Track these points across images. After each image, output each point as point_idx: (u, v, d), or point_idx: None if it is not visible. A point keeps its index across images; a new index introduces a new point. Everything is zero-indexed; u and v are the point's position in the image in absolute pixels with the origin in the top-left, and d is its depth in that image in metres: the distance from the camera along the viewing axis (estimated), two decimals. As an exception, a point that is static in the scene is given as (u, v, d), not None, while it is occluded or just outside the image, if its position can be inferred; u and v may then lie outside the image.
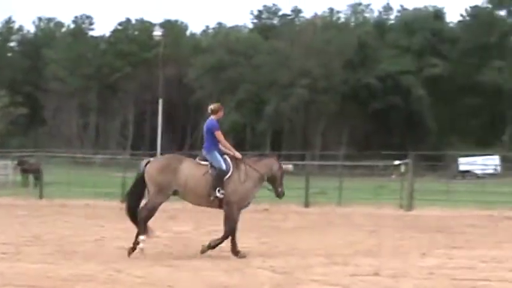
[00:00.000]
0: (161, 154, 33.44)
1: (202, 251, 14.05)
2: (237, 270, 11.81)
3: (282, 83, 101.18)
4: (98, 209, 27.16)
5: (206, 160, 14.41)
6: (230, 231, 14.22)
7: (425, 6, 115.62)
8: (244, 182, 14.36)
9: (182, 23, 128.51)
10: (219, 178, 14.14)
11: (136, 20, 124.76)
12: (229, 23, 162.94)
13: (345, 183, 29.37)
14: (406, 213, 25.25)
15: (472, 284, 10.64)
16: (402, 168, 29.22)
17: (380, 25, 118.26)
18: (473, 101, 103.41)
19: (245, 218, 22.56)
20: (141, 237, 13.79)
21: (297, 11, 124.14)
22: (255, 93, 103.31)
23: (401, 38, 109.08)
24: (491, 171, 63.56)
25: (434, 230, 19.19)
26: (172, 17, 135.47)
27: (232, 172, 14.27)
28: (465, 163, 69.96)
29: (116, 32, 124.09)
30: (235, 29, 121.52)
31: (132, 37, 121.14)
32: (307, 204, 27.85)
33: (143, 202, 14.41)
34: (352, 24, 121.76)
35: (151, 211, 14.21)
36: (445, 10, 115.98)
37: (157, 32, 41.13)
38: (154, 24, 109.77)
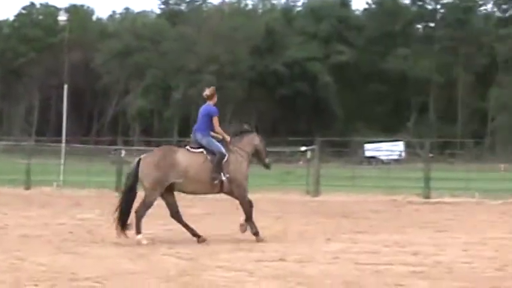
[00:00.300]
0: (67, 140, 32.94)
1: (258, 240, 14.23)
2: (142, 257, 11.72)
3: (189, 69, 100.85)
4: (2, 196, 26.58)
5: (198, 147, 14.50)
6: (249, 211, 14.61)
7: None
8: (241, 163, 14.74)
9: (88, 7, 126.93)
10: (219, 162, 14.32)
11: (41, 5, 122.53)
12: (136, 8, 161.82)
13: (251, 169, 29.39)
14: (312, 199, 25.48)
15: (375, 268, 10.77)
16: (308, 154, 29.43)
17: (287, 12, 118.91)
18: (379, 88, 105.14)
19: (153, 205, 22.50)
20: (139, 236, 13.78)
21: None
22: (162, 79, 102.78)
23: (308, 25, 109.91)
24: (396, 157, 64.71)
25: (339, 215, 19.40)
26: (78, 2, 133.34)
27: (228, 154, 14.48)
28: (371, 149, 71.07)
29: (20, 16, 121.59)
30: (143, 14, 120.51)
31: (37, 21, 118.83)
32: (215, 191, 27.81)
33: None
34: (260, 10, 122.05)
35: (148, 208, 14.28)
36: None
37: (62, 17, 40.38)
38: (60, 9, 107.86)
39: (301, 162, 43.88)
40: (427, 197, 25.88)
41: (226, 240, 14.02)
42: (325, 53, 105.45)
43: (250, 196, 24.33)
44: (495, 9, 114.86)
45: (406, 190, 26.85)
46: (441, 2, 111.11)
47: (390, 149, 63.60)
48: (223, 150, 14.44)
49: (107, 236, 14.50)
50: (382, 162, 58.88)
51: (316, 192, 26.51)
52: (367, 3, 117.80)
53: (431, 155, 34.24)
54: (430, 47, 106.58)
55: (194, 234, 14.18)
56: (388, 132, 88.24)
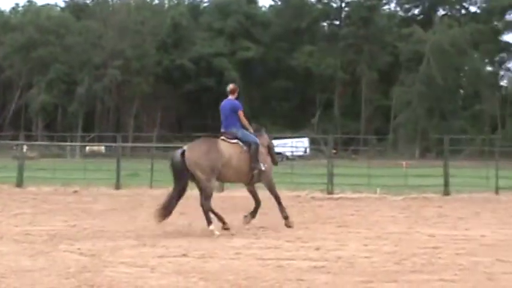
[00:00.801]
0: None
1: (287, 225, 15.66)
2: (42, 254, 11.54)
3: (94, 63, 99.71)
4: None
5: (234, 138, 15.31)
6: (278, 195, 16.02)
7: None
8: (266, 155, 16.02)
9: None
10: (256, 152, 15.38)
11: None
12: (40, 1, 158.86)
13: (157, 165, 29.20)
14: (216, 195, 25.47)
15: (278, 263, 10.87)
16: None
17: (194, 7, 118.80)
18: (284, 84, 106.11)
19: (54, 201, 22.24)
20: (211, 227, 14.43)
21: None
22: (67, 74, 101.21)
23: (215, 20, 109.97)
24: (301, 153, 65.19)
25: (243, 210, 19.46)
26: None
27: None
28: (276, 145, 71.47)
29: None
30: (47, 7, 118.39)
31: None
32: (118, 187, 27.59)
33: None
34: (166, 5, 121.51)
35: (210, 198, 14.95)
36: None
37: (-37, 8, 39.52)
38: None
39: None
40: (330, 192, 26.21)
41: (129, 236, 13.91)
42: (231, 49, 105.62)
43: (155, 191, 24.33)
44: (398, 9, 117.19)
45: (309, 186, 27.10)
46: (346, 0, 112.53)
47: (295, 145, 63.93)
48: (258, 141, 15.54)
49: (6, 233, 14.23)
50: (287, 158, 59.14)
51: (220, 188, 26.53)
52: (274, 0, 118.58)
53: (334, 151, 34.67)
54: (335, 44, 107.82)
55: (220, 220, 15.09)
56: (294, 128, 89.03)
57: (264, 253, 11.85)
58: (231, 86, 16.23)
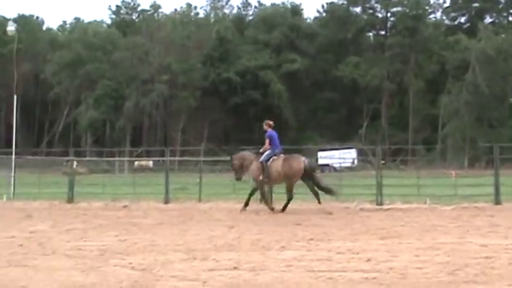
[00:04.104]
0: (17, 152, 32.57)
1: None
2: (94, 269, 11.58)
3: (141, 78, 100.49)
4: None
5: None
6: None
7: (282, 3, 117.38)
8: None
9: (38, 18, 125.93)
10: None
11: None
12: (86, 18, 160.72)
13: (205, 178, 29.28)
14: (265, 208, 25.43)
15: (329, 275, 10.80)
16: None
17: (239, 21, 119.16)
18: (330, 96, 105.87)
19: (104, 216, 22.38)
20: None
21: (155, 7, 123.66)
22: (114, 89, 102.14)
23: (260, 33, 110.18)
24: (348, 164, 64.94)
25: (293, 223, 19.37)
26: (28, 12, 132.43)
27: None
28: (324, 157, 71.16)
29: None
30: (93, 24, 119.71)
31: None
32: (167, 201, 27.64)
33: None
34: (212, 20, 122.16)
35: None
36: (302, 6, 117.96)
37: (11, 27, 39.91)
38: (8, 19, 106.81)
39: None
40: (380, 203, 25.99)
41: (180, 250, 13.90)
42: (277, 61, 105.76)
43: (203, 205, 24.33)
44: (444, 17, 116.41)
45: (358, 197, 26.93)
46: (391, 10, 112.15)
47: (343, 157, 63.69)
48: None
49: (58, 248, 14.31)
50: (335, 169, 58.90)
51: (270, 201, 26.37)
52: (319, 11, 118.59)
53: (383, 161, 34.42)
54: (381, 54, 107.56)
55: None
56: (341, 139, 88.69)
57: (315, 265, 11.76)
58: (271, 123, 23.94)
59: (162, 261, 12.32)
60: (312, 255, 13.01)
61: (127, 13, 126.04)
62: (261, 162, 23.00)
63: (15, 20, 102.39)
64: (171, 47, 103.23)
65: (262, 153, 23.34)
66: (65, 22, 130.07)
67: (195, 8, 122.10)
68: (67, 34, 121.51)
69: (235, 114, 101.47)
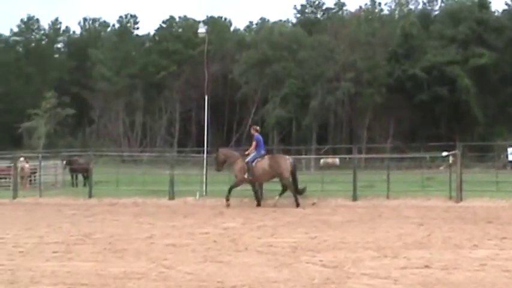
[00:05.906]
0: (208, 151, 33.51)
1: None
2: (287, 266, 11.77)
3: (327, 76, 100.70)
4: (147, 207, 27.32)
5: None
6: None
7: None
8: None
9: (226, 19, 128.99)
10: None
11: (180, 18, 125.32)
12: (272, 18, 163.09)
13: (392, 175, 29.09)
14: (455, 205, 25.00)
15: (525, 274, 10.53)
16: (450, 159, 28.85)
17: (424, 16, 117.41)
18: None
19: (293, 213, 22.69)
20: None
21: (340, 5, 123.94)
22: (300, 88, 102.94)
23: (446, 28, 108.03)
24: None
25: (484, 221, 18.98)
26: (216, 14, 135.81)
27: None
28: (512, 153, 68.91)
29: (160, 30, 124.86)
30: (279, 23, 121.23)
31: (177, 35, 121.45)
32: (355, 198, 27.65)
33: None
34: (396, 16, 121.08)
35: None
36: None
37: (202, 29, 40.89)
38: (198, 21, 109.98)
39: (442, 168, 43.23)
40: None
41: (370, 248, 13.91)
42: (464, 56, 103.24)
43: (391, 202, 24.25)
44: None
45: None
46: None
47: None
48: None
49: (250, 245, 14.65)
50: (527, 166, 56.94)
51: (459, 198, 25.99)
52: (507, 3, 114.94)
53: None
54: None
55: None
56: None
57: (510, 264, 11.47)
58: (258, 128, 27.94)
59: (353, 259, 12.37)
60: (507, 254, 12.71)
61: (312, 12, 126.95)
62: (247, 162, 26.23)
63: (205, 22, 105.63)
64: (356, 44, 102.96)
65: (247, 155, 26.71)
66: (251, 22, 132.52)
67: (379, 4, 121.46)
68: (253, 34, 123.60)
69: (422, 111, 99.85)
